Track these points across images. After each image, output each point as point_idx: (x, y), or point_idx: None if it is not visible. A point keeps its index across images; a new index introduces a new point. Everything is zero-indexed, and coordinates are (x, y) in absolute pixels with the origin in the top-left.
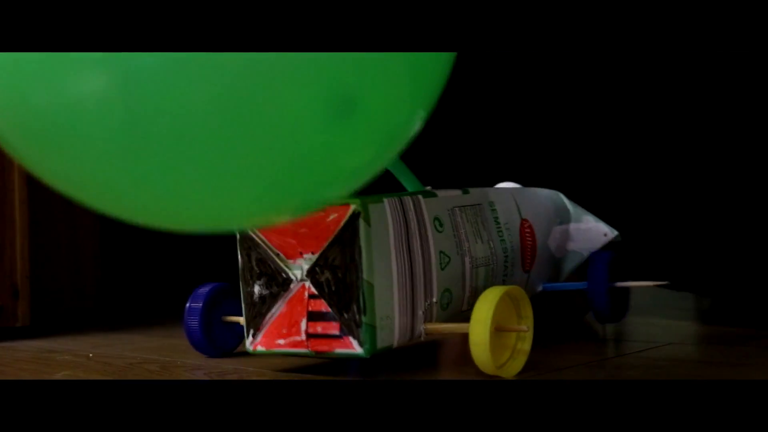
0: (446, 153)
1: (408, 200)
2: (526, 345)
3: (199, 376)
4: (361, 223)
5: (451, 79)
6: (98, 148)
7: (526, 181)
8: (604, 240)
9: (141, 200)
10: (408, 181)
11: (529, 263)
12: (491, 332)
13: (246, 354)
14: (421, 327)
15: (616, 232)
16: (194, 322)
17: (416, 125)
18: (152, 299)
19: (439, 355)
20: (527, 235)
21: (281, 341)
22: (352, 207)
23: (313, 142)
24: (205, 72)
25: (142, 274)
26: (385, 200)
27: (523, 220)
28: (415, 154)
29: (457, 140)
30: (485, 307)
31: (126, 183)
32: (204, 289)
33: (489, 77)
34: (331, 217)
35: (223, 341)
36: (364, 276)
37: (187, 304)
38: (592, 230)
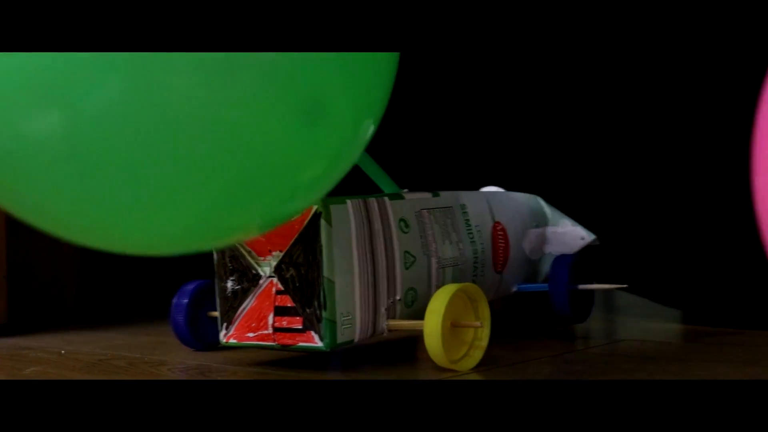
0: (431, 157)
1: (373, 202)
2: (482, 341)
3: (162, 371)
4: (323, 223)
5: (437, 85)
6: (50, 179)
7: (510, 185)
8: (581, 243)
9: (114, 231)
10: (384, 184)
11: (501, 265)
12: (444, 326)
13: (224, 347)
14: (384, 323)
15: (593, 236)
16: (180, 318)
17: (371, 132)
18: (132, 297)
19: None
20: (499, 237)
21: (251, 334)
22: (314, 207)
23: (282, 153)
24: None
25: (123, 273)
26: (348, 201)
27: (496, 223)
28: (398, 158)
29: (444, 145)
30: (439, 301)
31: (94, 213)
32: (189, 286)
33: (475, 84)
34: (295, 217)
35: (207, 335)
36: (325, 273)
37: (174, 301)
38: (569, 234)
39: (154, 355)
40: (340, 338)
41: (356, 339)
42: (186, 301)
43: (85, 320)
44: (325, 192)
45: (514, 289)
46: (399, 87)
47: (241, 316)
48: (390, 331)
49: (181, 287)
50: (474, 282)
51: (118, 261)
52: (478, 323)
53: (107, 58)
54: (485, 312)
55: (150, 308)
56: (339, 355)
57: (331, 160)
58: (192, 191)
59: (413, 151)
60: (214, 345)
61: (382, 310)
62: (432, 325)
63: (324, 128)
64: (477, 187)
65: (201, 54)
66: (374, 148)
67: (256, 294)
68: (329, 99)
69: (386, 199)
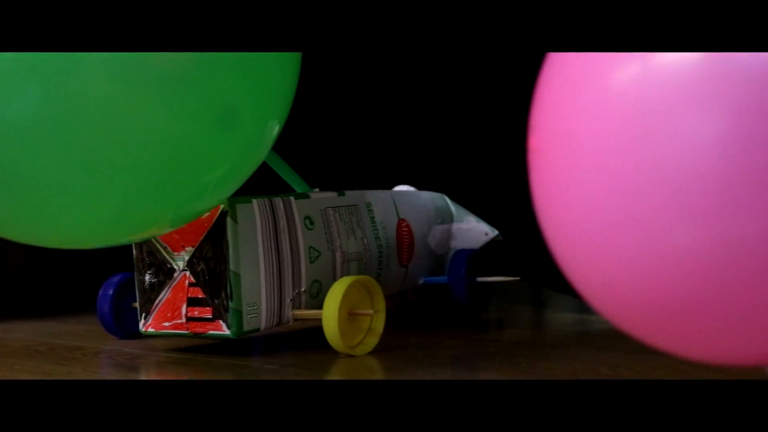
0: (347, 159)
1: (278, 201)
2: (378, 329)
3: (77, 355)
4: (229, 221)
5: (352, 90)
6: None
7: (421, 185)
8: (485, 239)
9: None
10: (296, 184)
11: (406, 258)
12: (341, 314)
13: (146, 336)
14: (290, 313)
15: (496, 232)
16: (105, 308)
17: (276, 133)
18: (75, 288)
19: None
20: (404, 233)
21: (167, 323)
22: (221, 206)
23: (192, 155)
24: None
25: (68, 264)
26: (254, 201)
27: (401, 220)
28: (313, 161)
29: (360, 147)
30: (336, 292)
31: (13, 209)
32: (115, 279)
33: (388, 88)
34: (205, 215)
35: (131, 325)
36: (231, 267)
37: (99, 292)
38: (473, 230)
39: (77, 341)
40: (247, 326)
41: (262, 327)
42: (111, 292)
43: (32, 309)
44: (233, 190)
45: (421, 281)
46: (315, 92)
47: (158, 306)
48: (295, 320)
49: (106, 279)
50: (379, 274)
51: (64, 253)
52: (371, 311)
53: (26, 64)
54: (380, 302)
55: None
56: (260, 341)
57: (238, 160)
58: (106, 191)
59: (330, 153)
60: (138, 334)
61: (288, 300)
62: (329, 313)
63: (235, 132)
64: (390, 187)
65: (119, 62)
66: (290, 151)
67: (171, 286)
68: (239, 103)
69: (292, 198)
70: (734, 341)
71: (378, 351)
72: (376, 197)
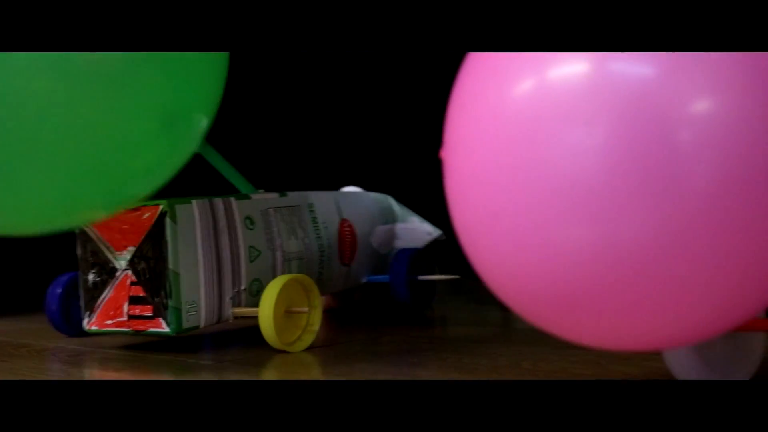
0: (296, 162)
1: (219, 202)
2: (314, 326)
3: (21, 352)
4: (168, 221)
5: (302, 96)
6: None
7: (369, 186)
8: (428, 238)
9: None
10: (241, 186)
11: (348, 258)
12: (277, 312)
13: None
14: (230, 310)
15: (439, 232)
16: (53, 306)
17: (203, 128)
18: (25, 289)
19: None
20: (347, 233)
21: (109, 321)
22: (161, 207)
23: (140, 154)
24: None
25: (16, 266)
26: (194, 202)
27: (343, 220)
28: (263, 163)
29: (309, 150)
30: (272, 290)
31: None
32: (63, 278)
33: (337, 92)
34: (146, 216)
35: (79, 323)
36: (170, 266)
37: (48, 290)
38: (417, 230)
39: (25, 339)
40: (186, 324)
41: (202, 324)
42: (59, 290)
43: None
44: (164, 180)
45: (364, 279)
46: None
47: (102, 305)
48: (235, 317)
49: (55, 278)
50: (321, 273)
51: (13, 253)
52: (305, 309)
53: None
54: (316, 300)
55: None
56: (201, 338)
57: (169, 152)
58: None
59: (281, 157)
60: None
61: (227, 298)
62: (265, 311)
63: (174, 129)
64: (338, 188)
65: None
66: (239, 154)
67: (114, 285)
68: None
69: (232, 199)
70: (623, 328)
71: (316, 347)
72: (318, 198)
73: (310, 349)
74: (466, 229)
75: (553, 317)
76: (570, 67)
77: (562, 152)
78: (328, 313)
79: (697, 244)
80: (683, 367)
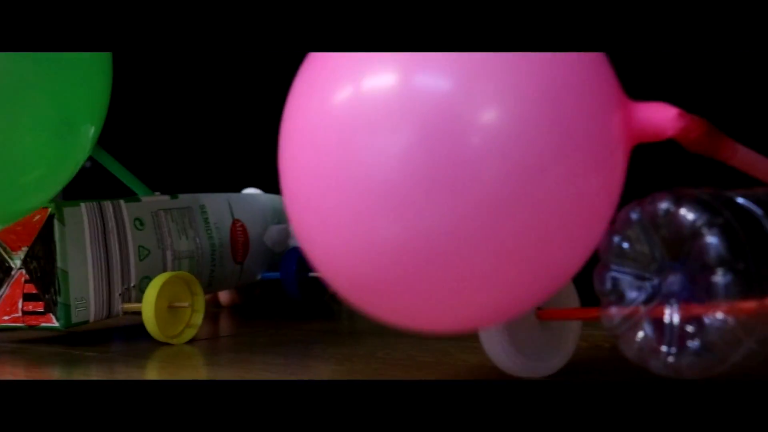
0: (198, 165)
1: (108, 205)
2: (197, 319)
3: None
4: (56, 223)
5: (202, 99)
6: None
7: (269, 188)
8: None
9: None
10: (138, 189)
11: (241, 256)
12: (159, 306)
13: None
14: (119, 306)
15: None
16: None
17: (92, 136)
18: None
19: None
20: (239, 232)
21: (6, 317)
22: (49, 209)
23: (32, 167)
24: None
25: None
26: (82, 204)
27: (236, 220)
28: (163, 167)
29: (209, 152)
30: (154, 286)
31: None
32: None
33: (238, 94)
34: (36, 218)
35: None
36: (59, 265)
37: None
38: None
39: None
40: (75, 319)
41: (91, 319)
42: None
43: None
44: (56, 191)
45: (258, 277)
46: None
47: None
48: (125, 313)
49: None
50: (213, 271)
51: None
52: (186, 304)
53: None
54: (199, 297)
55: None
56: (94, 333)
57: (58, 163)
58: None
59: (182, 160)
60: None
61: (117, 295)
62: (147, 305)
63: (66, 138)
64: (240, 190)
65: None
66: (139, 159)
67: (10, 283)
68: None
69: (122, 202)
70: (429, 310)
71: (200, 339)
72: (210, 200)
73: (195, 341)
74: (299, 224)
75: (371, 303)
76: (379, 80)
77: (372, 156)
78: (231, 308)
79: (487, 236)
80: (500, 358)
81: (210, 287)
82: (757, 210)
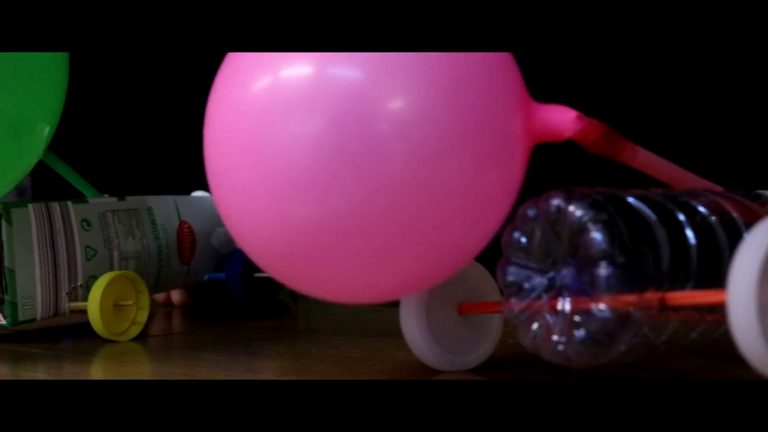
0: (147, 168)
1: (55, 206)
2: (141, 317)
3: None
4: (3, 223)
5: (149, 102)
6: None
7: None
8: None
9: None
10: (86, 190)
11: (188, 257)
12: (104, 304)
13: None
14: (66, 305)
15: None
16: None
17: (46, 136)
18: None
19: None
20: (186, 234)
21: None
22: None
23: None
24: None
25: None
26: (30, 206)
27: (183, 222)
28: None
29: (159, 155)
30: (99, 284)
31: None
32: None
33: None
34: None
35: None
36: (7, 264)
37: None
38: None
39: None
40: (22, 317)
41: (38, 317)
42: None
43: None
44: (6, 190)
45: (206, 277)
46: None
47: None
48: (71, 311)
49: None
50: (160, 271)
51: None
52: (130, 302)
53: None
54: (144, 295)
55: None
56: (44, 331)
57: (10, 164)
58: None
59: (132, 163)
60: None
61: (64, 294)
62: (92, 304)
63: (19, 139)
64: (188, 192)
65: None
66: (88, 161)
67: None
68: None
69: (69, 203)
70: (348, 283)
71: (151, 336)
72: (158, 202)
73: (142, 339)
74: (221, 203)
75: (288, 275)
76: (295, 69)
77: (288, 139)
78: (183, 307)
79: (391, 215)
80: (422, 352)
81: (157, 287)
82: (645, 209)
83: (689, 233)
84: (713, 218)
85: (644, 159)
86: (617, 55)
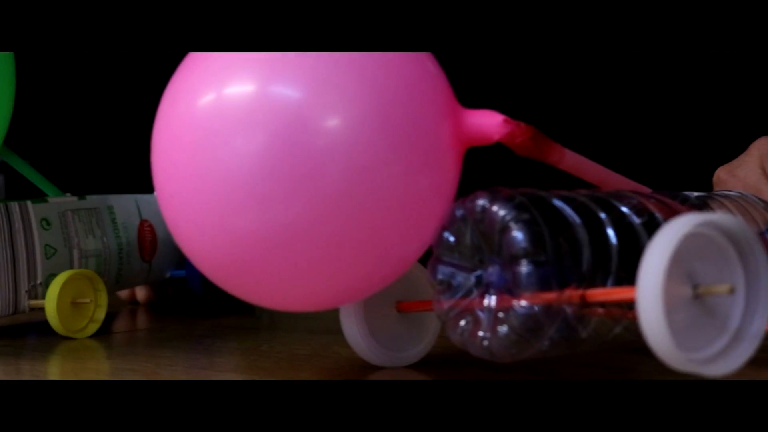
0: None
1: (14, 206)
2: (99, 314)
3: None
4: None
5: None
6: None
7: None
8: None
9: None
10: (47, 189)
11: (149, 255)
12: (62, 302)
13: None
14: (26, 302)
15: None
16: None
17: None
18: None
19: None
20: (147, 232)
21: None
22: None
23: None
24: None
25: None
26: None
27: (144, 221)
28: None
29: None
30: (57, 282)
31: None
32: None
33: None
34: None
35: None
36: None
37: None
38: None
39: None
40: None
41: None
42: None
43: None
44: None
45: (168, 274)
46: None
47: None
48: (31, 309)
49: None
50: (120, 268)
51: None
52: (87, 300)
53: None
54: (102, 292)
55: None
56: (28, 326)
57: None
58: None
59: (92, 161)
60: None
61: (23, 292)
62: (50, 302)
63: None
64: (151, 191)
65: None
66: (49, 159)
67: None
68: None
69: (29, 203)
70: (289, 291)
71: (108, 334)
72: (118, 201)
73: (104, 336)
74: (167, 214)
75: (232, 285)
76: (238, 87)
77: (230, 155)
78: (147, 305)
79: (329, 227)
80: (362, 349)
81: (118, 284)
82: (568, 209)
83: (610, 232)
84: (635, 218)
85: (572, 161)
86: (548, 59)
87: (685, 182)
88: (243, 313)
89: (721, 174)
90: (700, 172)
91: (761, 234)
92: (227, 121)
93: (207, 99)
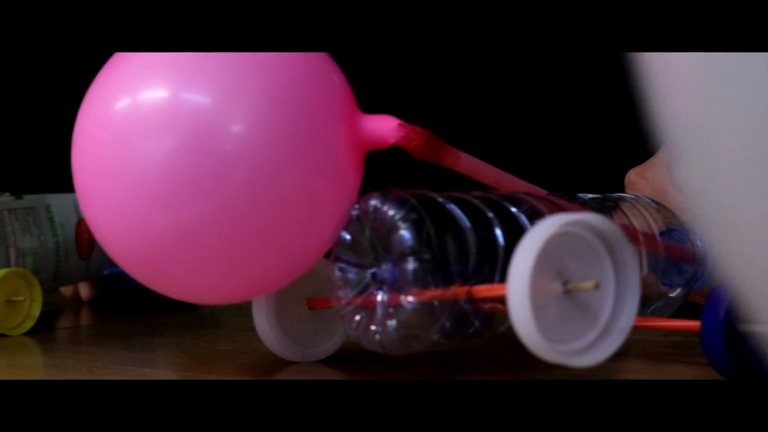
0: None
1: None
2: (35, 310)
3: None
4: None
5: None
6: None
7: None
8: None
9: None
10: None
11: (86, 253)
12: None
13: None
14: None
15: None
16: None
17: None
18: None
19: None
20: (84, 230)
21: None
22: None
23: None
24: None
25: None
26: None
27: (81, 219)
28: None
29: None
30: None
31: None
32: None
33: None
34: None
35: None
36: None
37: None
38: None
39: None
40: None
41: None
42: None
43: None
44: None
45: (105, 272)
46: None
47: None
48: None
49: None
50: (58, 266)
51: None
52: (22, 297)
53: None
54: (36, 288)
55: None
56: None
57: None
58: None
59: (31, 160)
60: None
61: None
62: None
63: None
64: None
65: None
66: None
67: None
68: None
69: None
70: (201, 286)
71: (39, 331)
72: (56, 200)
73: (34, 333)
74: (86, 211)
75: (147, 279)
76: (152, 93)
77: (143, 156)
78: (91, 303)
79: (236, 225)
80: (273, 344)
81: (56, 281)
82: (457, 209)
83: (498, 232)
84: (524, 218)
85: (467, 163)
86: (446, 64)
87: (603, 184)
88: (184, 310)
89: (632, 176)
90: (618, 173)
91: (660, 235)
92: (140, 124)
93: (123, 102)
